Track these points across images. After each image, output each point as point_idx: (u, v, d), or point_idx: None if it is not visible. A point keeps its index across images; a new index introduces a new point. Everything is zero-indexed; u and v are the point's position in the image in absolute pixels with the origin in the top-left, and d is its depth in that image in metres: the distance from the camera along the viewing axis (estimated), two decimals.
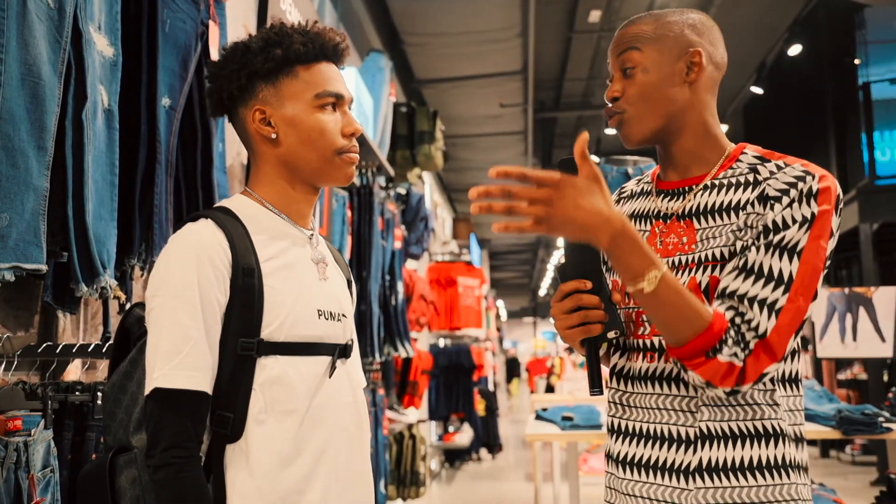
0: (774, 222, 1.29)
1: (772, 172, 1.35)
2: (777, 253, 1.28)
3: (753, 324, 1.26)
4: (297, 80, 1.46)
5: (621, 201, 1.59)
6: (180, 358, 1.30)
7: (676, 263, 1.39)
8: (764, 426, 1.32)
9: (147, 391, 1.31)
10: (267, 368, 1.37)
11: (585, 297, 1.35)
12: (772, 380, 1.34)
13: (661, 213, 1.45)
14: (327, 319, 1.46)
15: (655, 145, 1.47)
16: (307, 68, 1.47)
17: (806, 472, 1.36)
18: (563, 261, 1.40)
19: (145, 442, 1.31)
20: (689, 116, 1.41)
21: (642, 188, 1.55)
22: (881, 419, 3.62)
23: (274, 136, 1.46)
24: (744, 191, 1.36)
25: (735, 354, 1.25)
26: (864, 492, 7.18)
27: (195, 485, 1.29)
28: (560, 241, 1.45)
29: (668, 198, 1.45)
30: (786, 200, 1.30)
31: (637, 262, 1.25)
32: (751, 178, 1.37)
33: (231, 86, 1.46)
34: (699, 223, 1.39)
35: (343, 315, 1.52)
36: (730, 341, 1.25)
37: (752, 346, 1.25)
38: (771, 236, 1.29)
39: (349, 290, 1.63)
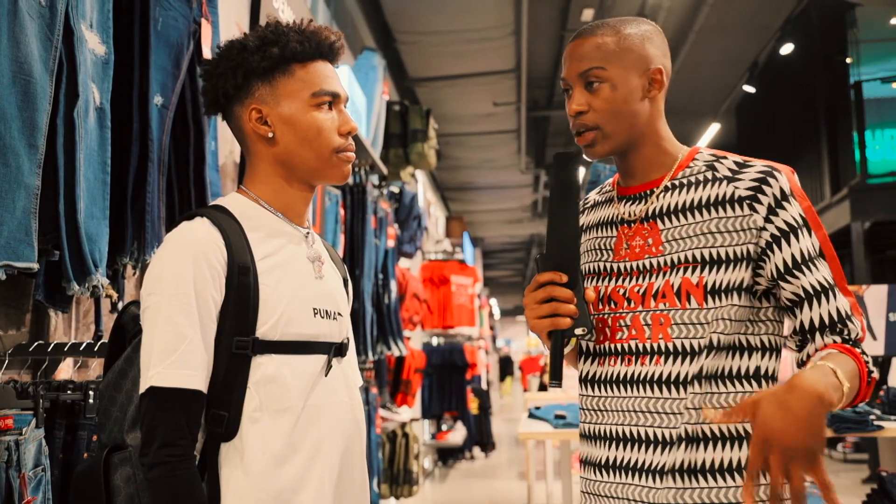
0: (775, 236, 1.33)
1: (732, 171, 1.38)
2: (812, 266, 1.33)
3: (853, 335, 1.34)
4: (293, 78, 1.46)
5: (586, 211, 1.60)
6: (175, 356, 1.30)
7: (647, 267, 1.41)
8: (746, 427, 1.33)
9: (142, 389, 1.30)
10: (262, 367, 1.36)
11: (558, 290, 1.36)
12: (757, 379, 1.35)
13: (625, 218, 1.47)
14: (323, 318, 1.46)
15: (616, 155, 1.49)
16: (304, 67, 1.47)
17: None
18: (542, 252, 1.41)
19: (140, 440, 1.31)
20: (648, 127, 1.44)
21: (605, 197, 1.56)
22: (872, 417, 3.63)
23: (271, 135, 1.46)
24: (703, 188, 1.39)
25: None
26: (856, 489, 7.21)
27: (189, 483, 1.28)
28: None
29: (631, 202, 1.47)
30: (766, 201, 1.33)
31: (837, 395, 1.18)
32: (709, 175, 1.40)
33: (227, 84, 1.46)
34: (663, 224, 1.41)
35: (339, 314, 1.52)
36: (869, 363, 1.32)
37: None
38: (790, 251, 1.32)
39: (345, 288, 1.62)
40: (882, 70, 9.90)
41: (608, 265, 1.47)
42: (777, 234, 1.33)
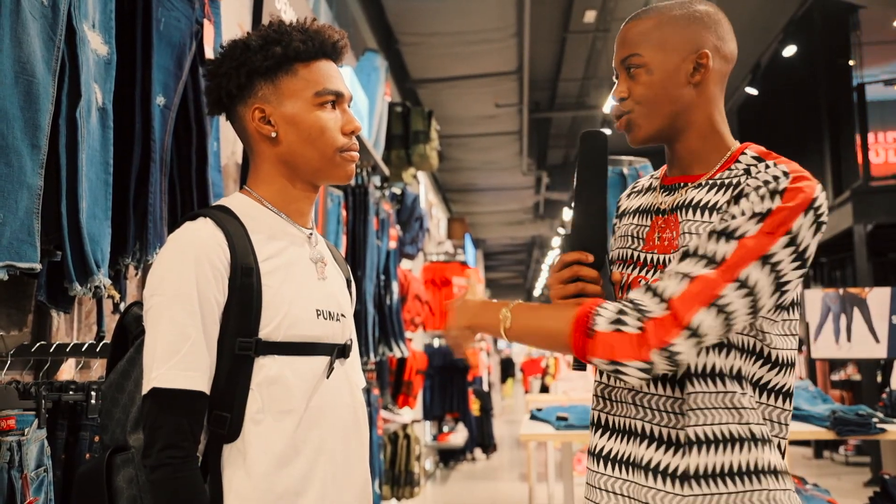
0: (732, 214, 1.26)
1: (758, 172, 1.31)
2: (716, 238, 1.24)
3: (660, 290, 1.23)
4: (296, 77, 1.45)
5: (631, 196, 1.57)
6: (178, 358, 1.29)
7: (670, 261, 1.36)
8: (739, 430, 1.29)
9: (145, 391, 1.30)
10: (265, 368, 1.36)
11: (585, 270, 1.35)
12: (739, 381, 1.31)
13: (660, 209, 1.43)
14: (326, 319, 1.46)
15: (662, 143, 1.45)
16: (307, 66, 1.46)
17: (785, 478, 1.31)
18: (569, 231, 1.40)
19: (142, 441, 1.30)
20: (695, 115, 1.39)
21: (650, 183, 1.53)
22: (875, 420, 3.63)
23: (274, 134, 1.45)
24: (734, 192, 1.32)
25: (619, 321, 1.22)
26: (858, 492, 7.20)
27: (191, 485, 1.28)
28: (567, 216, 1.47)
29: (667, 193, 1.44)
30: (753, 196, 1.25)
31: (489, 317, 1.38)
32: (743, 179, 1.33)
33: (230, 84, 1.45)
34: (682, 216, 1.37)
35: (342, 315, 1.51)
36: (606, 313, 1.24)
37: (653, 313, 1.21)
38: (721, 224, 1.25)
39: (349, 289, 1.62)
40: (885, 72, 9.89)
41: (636, 254, 1.44)
42: (735, 214, 1.24)
